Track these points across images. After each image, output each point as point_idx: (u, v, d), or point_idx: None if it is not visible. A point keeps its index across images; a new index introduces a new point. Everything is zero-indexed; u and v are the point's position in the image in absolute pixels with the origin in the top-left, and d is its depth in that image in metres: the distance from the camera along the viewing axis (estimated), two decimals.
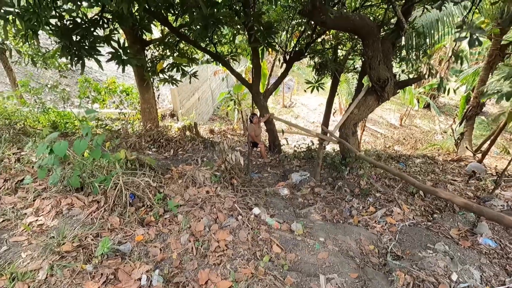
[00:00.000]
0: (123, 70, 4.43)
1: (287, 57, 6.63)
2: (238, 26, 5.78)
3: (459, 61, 10.09)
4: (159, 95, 12.64)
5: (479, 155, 7.71)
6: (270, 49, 5.74)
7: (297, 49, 6.54)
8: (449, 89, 7.04)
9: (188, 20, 5.56)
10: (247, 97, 11.31)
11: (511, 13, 6.95)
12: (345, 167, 5.01)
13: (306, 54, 6.54)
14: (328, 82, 8.08)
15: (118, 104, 9.00)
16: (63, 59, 7.40)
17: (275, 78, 8.82)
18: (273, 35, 5.39)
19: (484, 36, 7.60)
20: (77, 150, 2.52)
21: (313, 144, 7.19)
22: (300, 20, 6.22)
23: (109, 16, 4.40)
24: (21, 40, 6.05)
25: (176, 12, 5.07)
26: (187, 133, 7.54)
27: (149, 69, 6.23)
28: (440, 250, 2.85)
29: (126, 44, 5.45)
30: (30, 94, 7.38)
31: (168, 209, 2.90)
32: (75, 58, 4.04)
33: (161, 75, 6.41)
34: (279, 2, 5.79)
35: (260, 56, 6.46)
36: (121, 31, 6.08)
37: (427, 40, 6.44)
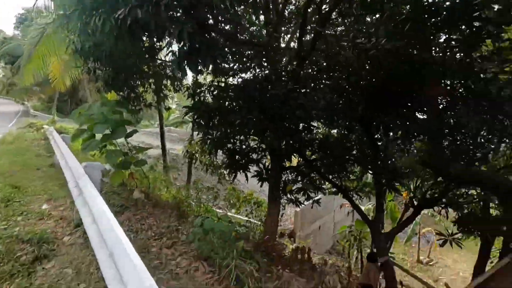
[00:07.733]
0: (261, 185, 5.76)
1: (415, 202, 6.42)
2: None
3: None
4: (283, 214, 13.81)
5: None
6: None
7: (428, 196, 6.28)
8: None
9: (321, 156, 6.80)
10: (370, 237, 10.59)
11: None
12: None
13: (440, 203, 6.10)
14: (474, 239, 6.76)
15: (249, 213, 10.57)
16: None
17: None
18: (400, 179, 5.61)
19: None
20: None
21: None
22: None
23: (264, 147, 6.18)
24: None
25: (313, 149, 6.42)
26: (299, 255, 7.67)
27: (280, 188, 7.51)
28: None
29: (269, 167, 7.09)
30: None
31: None
32: (233, 172, 5.80)
33: (288, 195, 7.50)
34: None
35: (384, 196, 6.58)
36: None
37: None
